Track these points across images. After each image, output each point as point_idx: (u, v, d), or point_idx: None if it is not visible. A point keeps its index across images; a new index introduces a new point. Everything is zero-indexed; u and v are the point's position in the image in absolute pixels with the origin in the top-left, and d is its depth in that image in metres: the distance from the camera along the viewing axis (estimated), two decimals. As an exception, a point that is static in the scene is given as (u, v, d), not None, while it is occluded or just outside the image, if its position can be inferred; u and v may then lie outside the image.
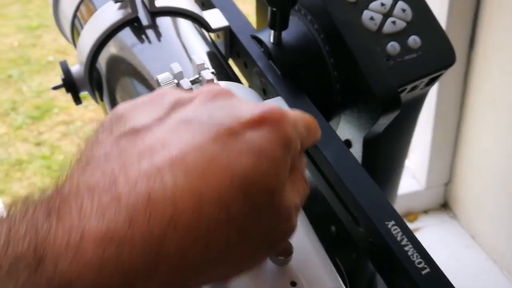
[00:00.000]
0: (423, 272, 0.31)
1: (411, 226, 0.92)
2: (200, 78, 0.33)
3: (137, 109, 0.23)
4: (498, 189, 0.81)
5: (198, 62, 0.33)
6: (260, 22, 0.50)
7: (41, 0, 2.51)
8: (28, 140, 1.72)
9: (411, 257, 0.31)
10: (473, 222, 0.89)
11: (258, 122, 0.22)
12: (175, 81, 0.32)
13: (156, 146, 0.20)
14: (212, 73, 0.33)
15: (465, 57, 0.78)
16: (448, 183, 0.93)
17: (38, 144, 1.71)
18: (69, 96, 0.46)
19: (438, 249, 0.87)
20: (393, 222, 0.32)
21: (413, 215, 0.94)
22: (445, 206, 0.96)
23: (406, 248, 0.32)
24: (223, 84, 0.36)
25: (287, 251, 0.28)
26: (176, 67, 0.33)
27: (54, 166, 1.62)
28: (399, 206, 0.94)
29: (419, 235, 0.89)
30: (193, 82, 0.33)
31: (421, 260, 0.31)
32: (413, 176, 0.95)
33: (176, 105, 0.23)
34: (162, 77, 0.32)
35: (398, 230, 0.32)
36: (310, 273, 0.29)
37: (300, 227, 0.32)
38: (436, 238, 0.89)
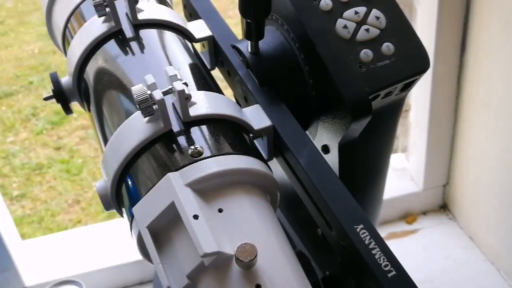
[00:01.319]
0: (389, 275, 0.31)
1: (409, 227, 0.93)
2: (172, 89, 0.35)
3: None
4: (495, 191, 0.81)
5: (170, 73, 0.34)
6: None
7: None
8: (48, 145, 1.76)
9: (378, 260, 0.32)
10: (471, 223, 0.89)
11: None
12: (148, 92, 0.34)
13: None
14: (184, 83, 0.34)
15: (457, 60, 0.79)
16: (446, 185, 0.94)
17: (57, 148, 1.74)
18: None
19: (436, 250, 0.87)
20: (361, 226, 0.33)
21: (412, 216, 0.94)
22: (443, 207, 0.96)
23: (373, 252, 0.32)
24: (201, 94, 0.38)
25: (251, 254, 0.29)
26: (150, 79, 0.34)
27: (73, 170, 1.65)
28: (398, 207, 0.94)
29: (417, 237, 0.90)
30: (166, 93, 0.34)
31: (387, 263, 0.32)
32: (411, 178, 0.95)
33: None
34: (136, 88, 0.34)
35: (367, 233, 0.33)
36: (276, 275, 0.30)
37: (269, 230, 0.33)
38: (434, 240, 0.89)
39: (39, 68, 2.13)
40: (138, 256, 0.90)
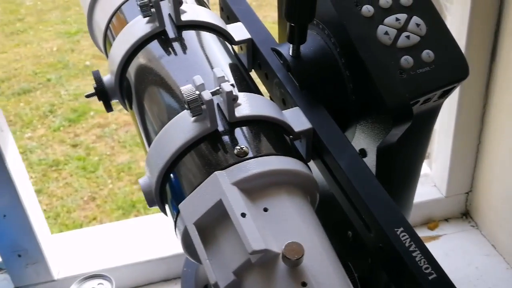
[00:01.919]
0: (430, 277, 0.32)
1: (431, 233, 0.93)
2: (220, 90, 0.35)
3: None
4: (520, 199, 0.81)
5: (218, 74, 0.35)
6: (282, 35, 0.52)
7: (79, 7, 2.59)
8: (65, 142, 1.78)
9: (419, 262, 0.33)
10: (494, 231, 0.89)
11: None
12: (197, 92, 0.35)
13: None
14: (232, 85, 0.35)
15: (486, 68, 0.79)
16: (469, 192, 0.94)
17: (74, 145, 1.77)
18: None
19: (458, 257, 0.87)
20: (402, 229, 0.34)
21: (434, 223, 0.94)
22: (465, 215, 0.96)
23: (414, 254, 0.33)
24: (244, 95, 0.38)
25: (299, 253, 0.30)
26: (198, 79, 0.35)
27: (89, 167, 1.67)
28: (420, 213, 0.94)
29: (439, 243, 0.90)
30: (214, 93, 0.35)
31: (428, 265, 0.32)
32: (434, 184, 0.95)
33: None
34: (185, 88, 0.35)
35: (407, 236, 0.34)
36: (321, 274, 0.31)
37: (312, 230, 0.34)
38: (456, 246, 0.89)
39: (57, 65, 2.16)
40: (164, 253, 0.92)
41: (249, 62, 0.49)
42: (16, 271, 0.84)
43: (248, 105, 0.37)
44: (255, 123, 0.37)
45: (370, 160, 0.43)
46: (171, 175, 0.37)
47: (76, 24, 2.42)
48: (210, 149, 0.36)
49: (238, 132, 0.36)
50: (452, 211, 0.95)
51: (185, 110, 0.36)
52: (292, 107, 0.42)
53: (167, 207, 0.39)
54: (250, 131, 0.37)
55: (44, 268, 0.84)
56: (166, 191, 0.38)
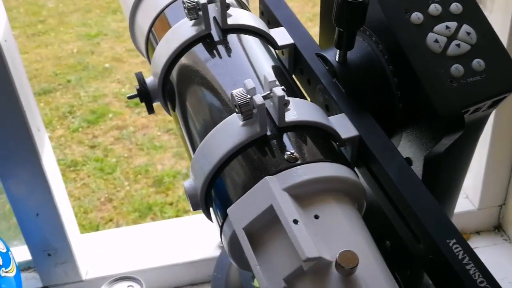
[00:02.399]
0: (485, 291, 0.31)
1: (462, 246, 0.91)
2: (271, 94, 0.35)
3: None
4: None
5: (270, 79, 0.35)
6: (323, 40, 0.52)
7: (100, 10, 2.62)
8: (83, 143, 1.80)
9: (473, 276, 0.32)
10: (528, 246, 0.87)
11: None
12: (248, 96, 0.34)
13: None
14: (283, 89, 0.35)
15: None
16: (502, 205, 0.92)
17: (92, 147, 1.78)
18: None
19: (491, 271, 0.85)
20: (454, 241, 0.33)
21: (465, 235, 0.93)
22: (498, 228, 0.94)
23: (468, 267, 0.32)
24: (291, 100, 0.38)
25: (354, 262, 0.29)
26: (249, 83, 0.35)
27: (107, 168, 1.69)
28: (451, 225, 0.93)
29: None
30: (265, 97, 0.35)
31: (483, 279, 0.32)
32: (467, 196, 0.94)
33: None
34: (237, 92, 0.34)
35: (460, 248, 0.33)
36: (374, 284, 0.30)
37: (363, 238, 0.33)
38: (488, 260, 0.87)
39: (77, 67, 2.19)
40: (192, 257, 0.91)
41: (289, 67, 0.48)
42: (45, 270, 0.85)
43: (296, 110, 0.37)
44: (303, 129, 0.37)
45: (416, 170, 0.42)
46: (218, 179, 0.37)
47: (96, 27, 2.45)
48: (259, 154, 0.35)
49: (286, 137, 0.36)
50: (484, 224, 0.93)
51: (234, 114, 0.36)
52: (336, 114, 0.41)
53: (211, 211, 0.38)
54: (298, 136, 0.36)
55: (73, 268, 0.84)
56: (211, 195, 0.37)
